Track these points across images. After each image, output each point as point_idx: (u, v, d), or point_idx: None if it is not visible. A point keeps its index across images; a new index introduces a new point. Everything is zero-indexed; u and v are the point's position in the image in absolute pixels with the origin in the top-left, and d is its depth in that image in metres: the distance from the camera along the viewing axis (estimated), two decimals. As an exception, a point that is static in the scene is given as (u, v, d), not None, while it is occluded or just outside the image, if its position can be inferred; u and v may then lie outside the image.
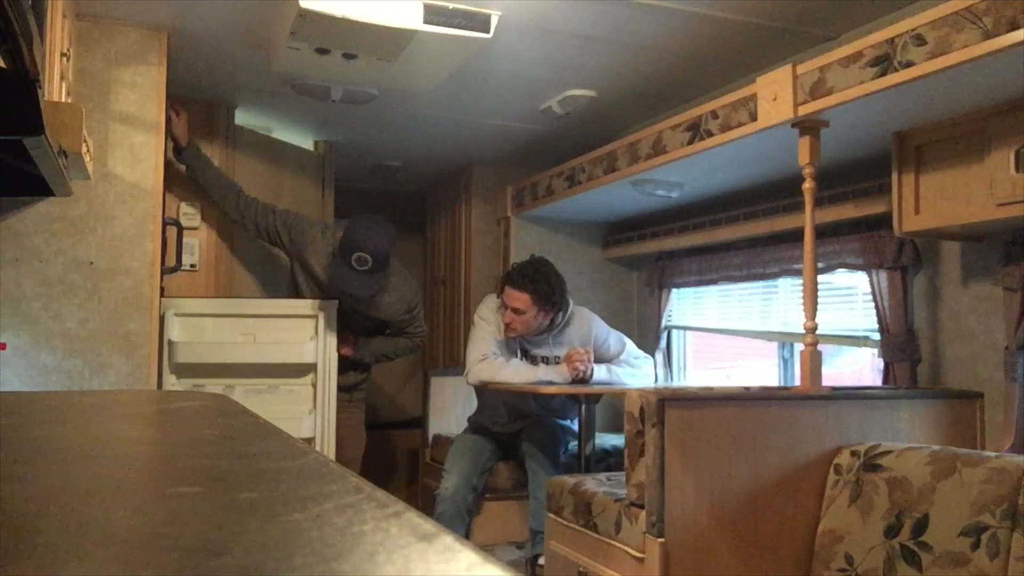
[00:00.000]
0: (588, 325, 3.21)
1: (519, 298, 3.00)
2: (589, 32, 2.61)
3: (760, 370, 3.51)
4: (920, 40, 1.79)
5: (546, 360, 3.12)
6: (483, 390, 3.24)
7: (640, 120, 3.58)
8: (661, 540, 1.95)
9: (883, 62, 1.88)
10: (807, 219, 2.22)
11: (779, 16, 2.51)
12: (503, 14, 2.44)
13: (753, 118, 2.28)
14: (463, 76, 2.93)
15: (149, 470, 0.72)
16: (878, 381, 2.65)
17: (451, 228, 4.46)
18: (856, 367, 3.11)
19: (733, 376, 3.76)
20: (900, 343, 2.45)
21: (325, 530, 0.42)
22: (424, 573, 0.36)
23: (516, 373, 2.99)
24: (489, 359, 3.04)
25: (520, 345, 3.14)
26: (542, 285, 3.00)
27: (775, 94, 2.19)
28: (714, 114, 2.45)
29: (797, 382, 3.09)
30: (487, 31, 2.44)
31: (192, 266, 3.19)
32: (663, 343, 3.72)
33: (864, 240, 2.57)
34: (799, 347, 3.08)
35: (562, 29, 2.59)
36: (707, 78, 3.06)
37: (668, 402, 1.96)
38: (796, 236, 2.85)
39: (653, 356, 3.50)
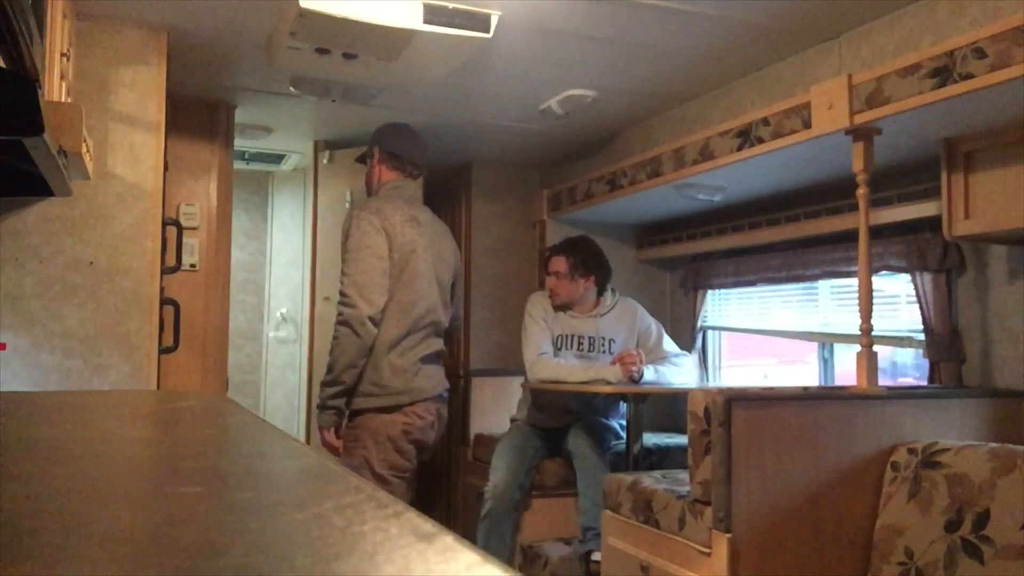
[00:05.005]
0: (634, 312, 3.34)
1: (557, 261, 3.26)
2: (589, 32, 2.61)
3: (794, 370, 3.61)
4: (980, 53, 1.87)
5: (592, 340, 3.23)
6: (524, 387, 3.33)
7: (640, 120, 3.58)
8: (728, 535, 2.00)
9: (942, 73, 1.95)
10: (861, 223, 2.26)
11: (779, 16, 2.50)
12: (503, 14, 2.44)
13: (807, 126, 2.35)
14: (463, 76, 2.93)
15: (149, 470, 0.72)
16: (899, 381, 2.68)
17: (451, 228, 4.45)
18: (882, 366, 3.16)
19: (771, 376, 3.81)
20: (945, 343, 2.50)
21: (325, 530, 0.42)
22: (424, 573, 0.36)
23: (572, 373, 3.07)
24: (546, 355, 3.16)
25: (571, 324, 3.25)
26: (580, 251, 3.24)
27: (830, 103, 2.25)
28: (765, 121, 2.51)
29: (838, 382, 3.16)
30: (487, 31, 2.44)
31: (192, 266, 3.19)
32: (699, 343, 3.75)
33: (908, 243, 2.60)
34: (840, 348, 3.17)
35: (562, 29, 2.59)
36: (707, 78, 3.06)
37: (735, 402, 2.02)
38: (837, 238, 2.88)
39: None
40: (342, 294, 2.72)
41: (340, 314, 2.70)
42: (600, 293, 3.30)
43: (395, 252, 2.76)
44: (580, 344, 3.23)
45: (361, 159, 3.13)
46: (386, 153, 2.93)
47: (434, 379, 2.87)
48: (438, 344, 2.94)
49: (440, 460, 4.29)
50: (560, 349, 3.21)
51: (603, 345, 3.24)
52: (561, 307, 3.26)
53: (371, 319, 2.67)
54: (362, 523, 0.44)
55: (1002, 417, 2.26)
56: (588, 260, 3.23)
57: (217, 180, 3.31)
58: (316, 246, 3.92)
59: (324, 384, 2.74)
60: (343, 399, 2.72)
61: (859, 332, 2.24)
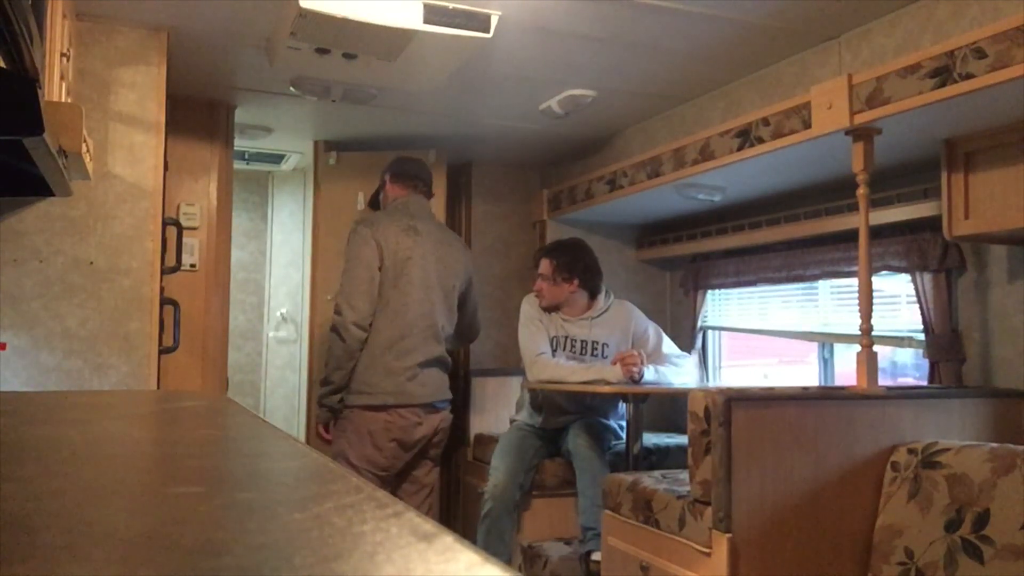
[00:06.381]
0: (628, 315, 3.33)
1: (543, 263, 3.27)
2: (589, 32, 2.61)
3: (794, 370, 3.62)
4: (980, 53, 1.88)
5: (584, 344, 3.23)
6: (523, 387, 3.33)
7: (640, 120, 3.58)
8: (728, 535, 2.00)
9: (942, 73, 1.96)
10: (861, 223, 2.26)
11: (779, 16, 2.50)
12: (503, 14, 2.44)
13: (807, 126, 2.36)
14: (463, 76, 2.93)
15: (149, 470, 0.72)
16: (899, 381, 2.68)
17: (451, 228, 4.46)
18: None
19: (771, 376, 3.83)
20: (945, 343, 2.51)
21: (325, 530, 0.42)
22: (424, 573, 0.36)
23: (573, 373, 3.07)
24: (545, 355, 3.16)
25: (563, 327, 3.25)
26: (565, 255, 3.25)
27: (830, 103, 2.25)
28: (765, 121, 2.52)
29: (838, 382, 3.18)
30: (487, 31, 2.44)
31: (192, 266, 3.19)
32: (699, 343, 3.75)
33: (908, 243, 2.61)
34: (840, 348, 3.18)
35: (562, 29, 2.59)
36: (707, 78, 3.06)
37: (735, 402, 2.03)
38: (837, 238, 2.89)
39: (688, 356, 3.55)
40: (335, 303, 2.97)
41: (332, 321, 2.98)
42: (592, 297, 3.28)
43: (387, 260, 2.96)
44: (573, 347, 3.23)
45: (375, 197, 3.33)
46: (394, 175, 3.18)
47: (430, 386, 2.98)
48: (439, 349, 3.02)
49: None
50: (554, 351, 3.21)
51: (596, 349, 3.22)
52: (548, 308, 3.26)
53: (356, 324, 2.91)
54: (362, 523, 0.44)
55: (1002, 417, 2.26)
56: (572, 264, 3.22)
57: (217, 180, 3.31)
58: (316, 246, 3.92)
59: (320, 384, 3.02)
60: (335, 397, 2.96)
61: (859, 332, 2.24)
